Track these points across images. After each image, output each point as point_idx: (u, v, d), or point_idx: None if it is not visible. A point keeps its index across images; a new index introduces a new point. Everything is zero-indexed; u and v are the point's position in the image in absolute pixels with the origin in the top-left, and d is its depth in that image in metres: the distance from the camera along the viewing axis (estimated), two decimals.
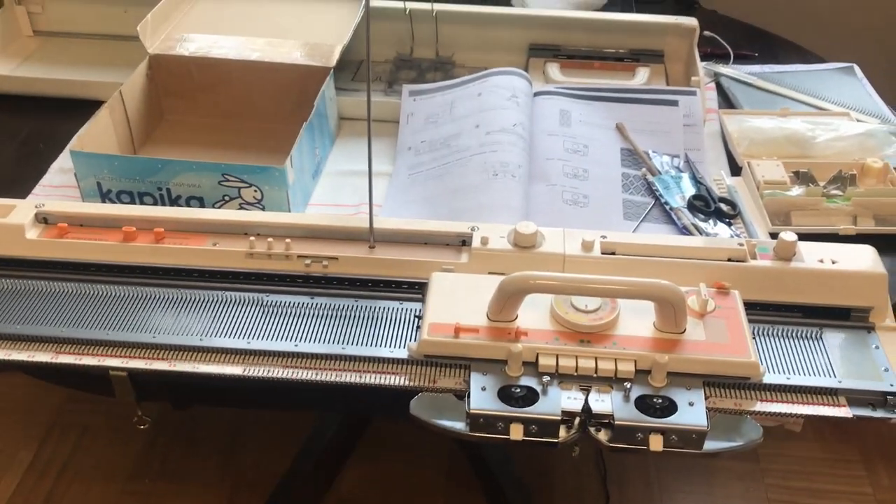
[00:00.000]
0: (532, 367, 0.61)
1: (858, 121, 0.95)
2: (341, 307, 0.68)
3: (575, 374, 0.61)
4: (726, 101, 1.03)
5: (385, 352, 0.64)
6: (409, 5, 1.04)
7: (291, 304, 0.68)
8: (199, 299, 0.69)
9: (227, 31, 0.98)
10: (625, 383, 0.60)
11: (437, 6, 1.04)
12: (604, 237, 0.70)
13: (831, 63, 1.09)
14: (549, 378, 0.60)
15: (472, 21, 1.05)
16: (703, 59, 1.10)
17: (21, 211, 0.73)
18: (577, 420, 0.59)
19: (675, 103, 0.93)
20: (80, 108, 0.95)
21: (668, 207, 0.83)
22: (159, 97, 0.95)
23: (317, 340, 0.65)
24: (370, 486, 1.33)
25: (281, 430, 1.41)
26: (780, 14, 1.35)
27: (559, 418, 0.58)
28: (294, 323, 0.67)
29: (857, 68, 1.08)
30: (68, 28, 1.11)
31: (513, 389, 0.60)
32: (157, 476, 1.36)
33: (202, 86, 0.95)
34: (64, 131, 0.93)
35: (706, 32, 1.15)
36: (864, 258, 0.69)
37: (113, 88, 0.88)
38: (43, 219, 0.73)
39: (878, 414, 0.62)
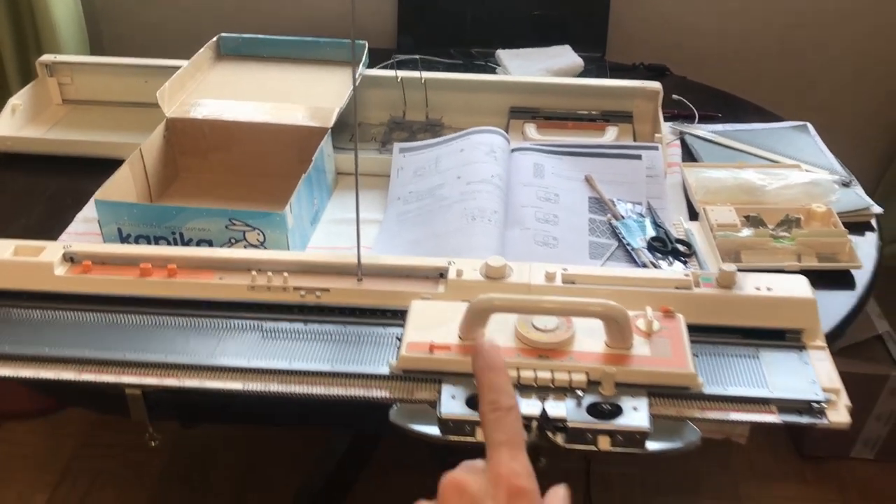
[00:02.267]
0: None
1: (808, 171, 1.04)
2: (331, 332, 0.77)
3: (534, 384, 0.69)
4: (689, 156, 1.13)
5: (369, 368, 0.72)
6: (401, 74, 1.15)
7: (288, 330, 0.77)
8: (206, 326, 0.78)
9: (236, 97, 1.09)
10: (577, 392, 0.68)
11: (426, 74, 1.15)
12: (565, 269, 0.79)
13: (787, 122, 1.20)
14: None
15: (459, 87, 1.17)
16: (670, 119, 1.21)
17: (50, 251, 0.82)
18: (534, 423, 0.67)
19: (638, 157, 1.03)
20: (103, 167, 1.04)
21: (629, 248, 0.92)
22: (175, 156, 1.06)
23: (309, 360, 0.74)
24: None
25: (286, 472, 1.47)
26: (744, 79, 1.47)
27: None
28: (289, 346, 0.75)
29: (810, 126, 1.18)
30: (94, 97, 1.23)
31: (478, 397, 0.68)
32: None
33: (214, 145, 1.06)
34: (88, 188, 1.03)
35: (674, 96, 1.27)
36: (797, 286, 0.78)
37: (134, 148, 0.98)
38: (70, 258, 0.83)
39: (804, 419, 0.69)
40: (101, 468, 1.51)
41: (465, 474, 0.43)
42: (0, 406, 1.61)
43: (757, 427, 0.73)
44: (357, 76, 1.13)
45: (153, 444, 0.81)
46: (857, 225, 1.00)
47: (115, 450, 1.54)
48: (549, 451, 0.69)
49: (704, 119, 1.22)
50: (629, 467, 1.51)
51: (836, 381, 0.72)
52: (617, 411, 0.67)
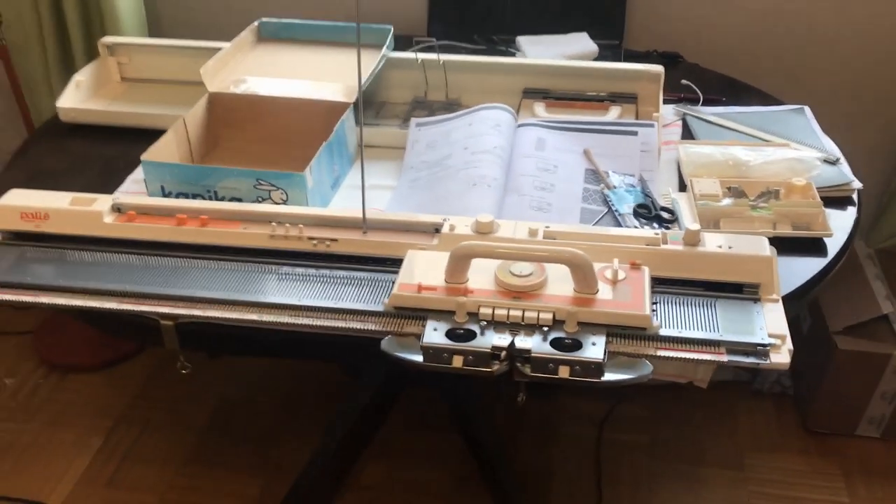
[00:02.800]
0: (474, 317, 0.79)
1: (794, 149, 1.11)
2: (338, 276, 0.88)
3: (507, 321, 0.78)
4: (689, 136, 1.20)
5: (365, 306, 0.83)
6: (422, 56, 1.26)
7: (301, 274, 0.88)
8: (231, 268, 0.89)
9: (272, 76, 1.21)
10: (543, 328, 0.77)
11: (445, 56, 1.25)
12: (547, 227, 0.88)
13: (786, 105, 1.26)
14: (486, 324, 0.78)
15: (475, 69, 1.26)
16: (676, 102, 1.29)
17: (100, 202, 0.95)
18: (503, 354, 0.76)
19: (634, 133, 1.11)
20: (153, 137, 1.17)
21: (617, 213, 1.01)
22: (215, 127, 1.18)
23: (316, 298, 0.85)
24: (388, 481, 1.50)
25: (312, 425, 1.60)
26: (752, 66, 1.52)
27: (489, 351, 0.76)
28: (300, 286, 0.86)
29: (807, 109, 1.24)
30: (149, 76, 1.36)
31: (457, 331, 0.78)
32: (206, 464, 1.56)
33: (250, 118, 1.18)
34: (139, 154, 1.16)
35: (683, 81, 1.34)
36: (756, 245, 0.85)
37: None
38: (117, 208, 0.95)
39: (749, 360, 0.77)
40: (151, 418, 1.65)
41: None
42: (65, 359, 1.77)
43: (708, 365, 0.82)
44: (381, 57, 1.24)
45: (184, 371, 0.93)
46: (838, 200, 1.06)
47: (163, 403, 1.68)
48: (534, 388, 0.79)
49: (708, 102, 1.30)
50: (636, 434, 1.59)
51: (782, 329, 0.79)
52: (577, 346, 0.76)
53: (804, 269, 0.95)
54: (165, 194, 1.02)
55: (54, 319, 1.83)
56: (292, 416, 1.64)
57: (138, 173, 1.13)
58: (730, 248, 0.85)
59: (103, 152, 1.21)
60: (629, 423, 1.62)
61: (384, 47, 1.25)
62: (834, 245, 0.98)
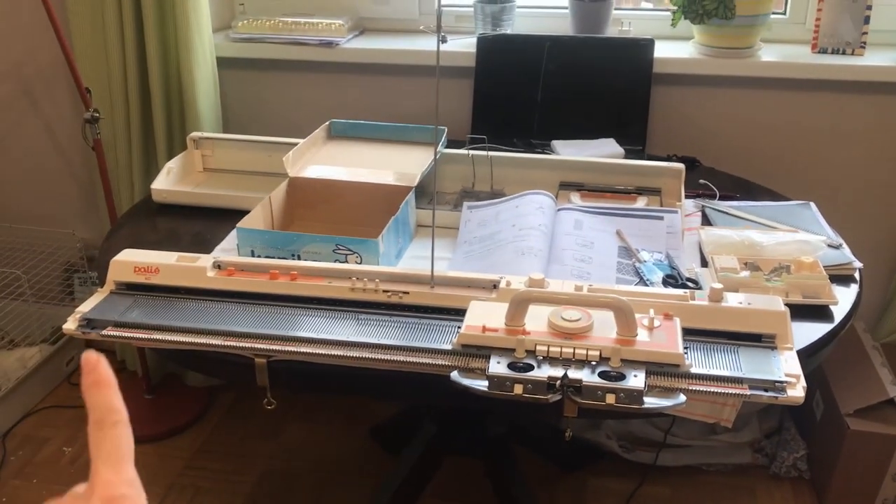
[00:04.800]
0: (531, 354, 0.93)
1: (804, 234, 1.27)
2: (410, 323, 1.02)
3: (560, 357, 0.92)
4: (708, 225, 1.36)
5: (436, 345, 0.97)
6: (472, 152, 1.44)
7: (377, 320, 1.02)
8: (318, 315, 1.04)
9: (342, 164, 1.39)
10: (592, 363, 0.91)
11: (492, 153, 1.43)
12: (591, 284, 1.03)
13: (793, 200, 1.42)
14: (542, 359, 0.91)
15: (518, 164, 1.44)
16: (695, 197, 1.46)
17: (203, 260, 1.11)
18: (558, 383, 0.89)
19: (661, 217, 1.27)
20: (234, 217, 1.34)
21: (648, 283, 1.15)
22: (293, 206, 1.35)
23: (392, 338, 0.98)
24: None
25: (359, 490, 1.68)
26: (762, 169, 1.70)
27: (546, 380, 0.89)
28: (378, 330, 1.00)
29: (812, 205, 1.40)
30: (228, 167, 1.55)
31: (517, 364, 0.91)
32: None
33: (323, 199, 1.35)
34: (222, 230, 1.33)
35: (701, 181, 1.51)
36: (771, 302, 1.00)
37: (257, 202, 1.28)
38: (217, 265, 1.11)
39: (768, 394, 0.90)
40: (200, 486, 1.74)
41: (65, 496, 0.43)
42: None
43: (733, 405, 0.94)
44: (437, 152, 1.42)
45: (269, 407, 1.06)
46: (842, 277, 1.21)
47: (213, 473, 1.78)
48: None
49: (724, 198, 1.46)
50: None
51: (797, 370, 0.92)
52: (621, 377, 0.89)
53: (814, 331, 1.08)
54: (255, 258, 1.18)
55: None
56: (335, 487, 1.74)
57: (225, 244, 1.29)
58: (749, 304, 0.99)
59: (190, 228, 1.38)
60: (653, 502, 1.70)
61: (440, 144, 1.43)
62: (839, 312, 1.12)
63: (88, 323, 1.03)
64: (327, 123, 1.51)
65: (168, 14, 1.73)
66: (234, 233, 1.21)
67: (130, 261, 1.11)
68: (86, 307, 1.06)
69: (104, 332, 1.02)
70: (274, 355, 0.99)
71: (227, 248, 1.26)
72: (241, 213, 1.27)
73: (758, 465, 1.77)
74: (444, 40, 0.98)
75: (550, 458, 1.81)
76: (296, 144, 1.41)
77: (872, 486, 1.62)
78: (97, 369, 0.44)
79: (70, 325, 1.03)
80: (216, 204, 1.42)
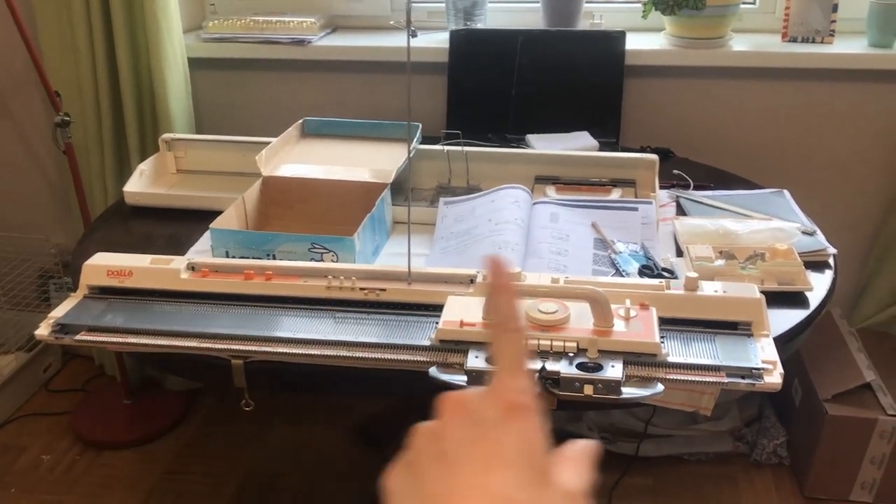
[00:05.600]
0: None
1: (778, 222, 1.27)
2: (387, 320, 1.01)
3: (537, 349, 0.92)
4: (683, 215, 1.37)
5: (414, 341, 0.96)
6: (447, 147, 1.43)
7: (354, 319, 1.02)
8: (293, 315, 1.03)
9: (315, 162, 1.38)
10: (569, 354, 0.91)
11: (467, 147, 1.43)
12: (567, 277, 1.03)
13: (767, 189, 1.43)
14: None
15: (493, 159, 1.44)
16: (669, 188, 1.46)
17: (177, 262, 1.09)
18: (536, 375, 0.89)
19: (635, 209, 1.28)
20: (207, 218, 1.33)
21: (624, 274, 1.16)
22: (267, 205, 1.34)
23: (370, 336, 0.98)
24: None
25: (344, 490, 1.68)
26: (735, 159, 1.72)
27: None
28: (356, 328, 1.00)
29: (786, 192, 1.41)
30: (201, 167, 1.54)
31: None
32: None
33: (297, 198, 1.34)
34: (196, 232, 1.32)
35: (675, 171, 1.52)
36: (747, 290, 1.00)
37: (231, 202, 1.26)
38: (191, 267, 1.10)
39: (746, 381, 0.90)
40: (181, 490, 1.73)
41: (465, 392, 0.44)
42: (100, 437, 1.86)
43: (711, 393, 0.94)
44: (411, 148, 1.41)
45: (247, 409, 1.05)
46: (816, 264, 1.22)
47: (195, 477, 1.77)
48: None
49: (698, 188, 1.47)
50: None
51: (773, 356, 0.93)
52: (598, 368, 0.89)
53: (790, 317, 1.09)
54: (229, 258, 1.17)
55: (91, 400, 1.94)
56: (320, 488, 1.73)
57: (199, 245, 1.28)
58: (724, 292, 1.00)
59: (164, 231, 1.37)
60: (636, 493, 1.71)
61: (414, 140, 1.42)
62: (815, 298, 1.13)
63: (62, 328, 1.02)
64: (300, 121, 1.51)
65: (137, 16, 1.71)
66: (208, 234, 1.20)
67: (103, 264, 1.10)
68: (59, 312, 1.04)
69: (77, 337, 1.01)
70: (250, 356, 0.99)
71: (202, 250, 1.25)
72: (216, 214, 1.25)
73: (739, 454, 1.79)
74: (414, 35, 0.98)
75: None
76: (269, 143, 1.40)
77: (851, 470, 1.63)
78: (501, 274, 0.47)
79: (43, 331, 1.02)
80: (190, 205, 1.41)
